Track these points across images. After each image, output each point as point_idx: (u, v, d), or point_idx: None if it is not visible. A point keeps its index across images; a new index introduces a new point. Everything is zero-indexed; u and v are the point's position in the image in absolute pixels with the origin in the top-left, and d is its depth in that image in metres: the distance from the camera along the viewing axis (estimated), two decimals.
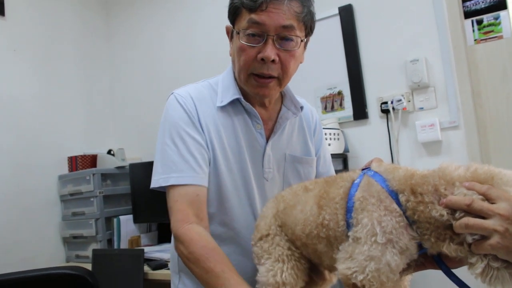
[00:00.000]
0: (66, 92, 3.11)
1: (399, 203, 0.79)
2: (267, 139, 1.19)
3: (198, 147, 1.11)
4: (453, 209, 0.74)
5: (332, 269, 0.94)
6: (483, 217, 0.71)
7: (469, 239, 0.72)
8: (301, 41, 1.09)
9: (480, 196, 0.72)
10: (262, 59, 1.05)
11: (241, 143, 1.16)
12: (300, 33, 1.08)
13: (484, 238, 0.71)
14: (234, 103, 1.17)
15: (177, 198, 1.08)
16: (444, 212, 0.74)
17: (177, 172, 1.09)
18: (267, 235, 0.99)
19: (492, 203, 0.71)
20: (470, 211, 0.72)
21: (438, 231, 0.76)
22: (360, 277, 0.77)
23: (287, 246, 0.97)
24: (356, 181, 0.87)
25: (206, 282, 0.97)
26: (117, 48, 3.47)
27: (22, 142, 2.78)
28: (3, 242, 2.60)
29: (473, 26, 2.16)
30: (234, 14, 1.10)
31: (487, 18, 2.12)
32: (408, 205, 0.78)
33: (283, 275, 0.93)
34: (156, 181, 1.12)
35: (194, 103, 1.15)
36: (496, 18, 2.10)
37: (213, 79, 1.24)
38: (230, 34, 1.16)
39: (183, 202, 1.07)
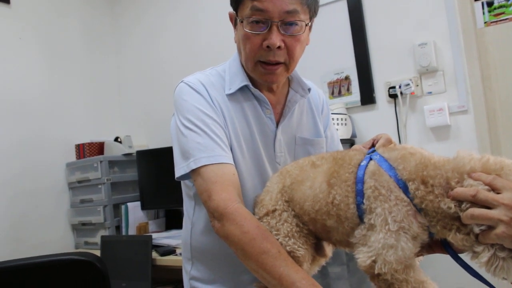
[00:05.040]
0: (72, 80, 3.11)
1: (407, 191, 0.80)
2: (277, 124, 1.19)
3: (220, 129, 1.09)
4: (460, 201, 0.75)
5: (341, 243, 0.95)
6: (490, 207, 0.72)
7: (476, 229, 0.73)
8: (306, 25, 1.08)
9: (486, 187, 0.73)
10: (268, 47, 1.05)
11: (253, 129, 1.16)
12: (304, 16, 1.06)
13: (490, 228, 0.71)
14: (242, 89, 1.16)
15: (216, 179, 1.01)
16: (452, 205, 0.75)
17: (206, 152, 1.04)
18: (274, 210, 0.99)
19: (498, 193, 0.72)
20: (475, 202, 0.73)
21: (445, 220, 0.77)
22: (378, 266, 0.79)
23: (295, 222, 0.97)
24: (362, 164, 0.88)
25: (261, 263, 0.91)
26: (123, 35, 3.46)
27: (30, 131, 2.79)
28: (13, 230, 2.63)
29: (483, 8, 2.12)
30: (236, 1, 1.09)
31: None
32: (417, 193, 0.79)
33: (299, 250, 0.94)
34: (183, 168, 1.07)
35: (206, 89, 1.14)
36: None
37: (220, 66, 1.23)
38: (233, 20, 1.15)
39: (223, 182, 1.02)
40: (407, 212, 0.79)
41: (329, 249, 1.07)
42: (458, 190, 0.75)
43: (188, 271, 1.24)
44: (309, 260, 0.98)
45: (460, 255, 0.82)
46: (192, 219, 1.22)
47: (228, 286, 1.18)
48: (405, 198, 0.80)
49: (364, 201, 0.84)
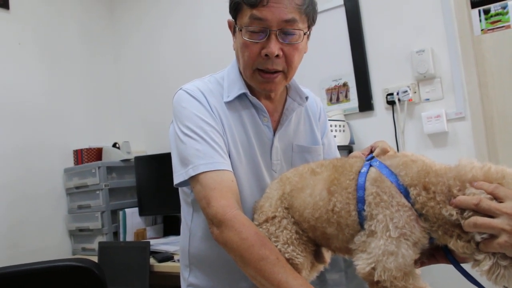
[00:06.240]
0: (71, 85, 3.11)
1: (408, 196, 0.81)
2: (274, 131, 1.19)
3: (219, 136, 1.10)
4: (462, 209, 0.75)
5: (340, 250, 0.95)
6: (492, 216, 0.72)
7: (478, 237, 0.73)
8: (304, 33, 1.09)
9: (489, 196, 0.73)
10: (266, 55, 1.05)
11: (250, 136, 1.16)
12: (302, 25, 1.07)
13: (492, 236, 0.72)
14: (240, 97, 1.16)
15: (215, 186, 1.02)
16: (454, 212, 0.75)
17: (205, 159, 1.05)
18: (274, 217, 0.99)
19: (500, 202, 0.72)
20: (478, 211, 0.73)
21: (446, 226, 0.77)
22: (378, 273, 0.79)
23: (294, 230, 0.97)
24: (362, 171, 0.89)
25: (260, 269, 0.91)
26: (123, 40, 3.46)
27: (28, 136, 2.79)
28: (10, 236, 2.61)
29: (480, 15, 2.13)
30: (235, 10, 1.10)
31: (494, 7, 2.09)
32: (418, 199, 0.79)
33: (298, 258, 0.94)
34: (182, 175, 1.07)
35: (204, 96, 1.14)
36: (504, 7, 2.07)
37: (219, 74, 1.23)
38: (232, 28, 1.15)
39: (222, 189, 1.02)
40: (409, 217, 0.80)
41: (327, 255, 1.07)
42: (461, 199, 0.75)
43: (186, 278, 1.24)
44: (308, 267, 0.98)
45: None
46: (190, 226, 1.22)
47: None
48: (407, 203, 0.80)
49: (365, 207, 0.84)
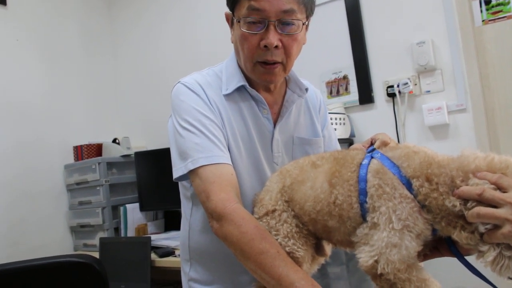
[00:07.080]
0: (70, 81, 3.10)
1: (410, 188, 0.80)
2: (275, 124, 1.19)
3: (218, 129, 1.09)
4: (465, 199, 0.74)
5: (341, 243, 0.95)
6: (496, 206, 0.71)
7: (482, 228, 0.72)
8: (303, 24, 1.08)
9: (492, 186, 0.73)
10: (265, 46, 1.05)
11: (250, 129, 1.16)
12: (301, 15, 1.07)
13: (496, 227, 0.71)
14: (239, 90, 1.16)
15: (214, 179, 1.01)
16: (457, 203, 0.75)
17: (204, 152, 1.04)
18: (274, 210, 0.98)
19: (504, 192, 0.71)
20: (481, 201, 0.73)
21: (449, 217, 0.77)
22: (381, 265, 0.78)
23: (294, 223, 0.96)
24: (364, 162, 0.88)
25: (260, 263, 0.90)
26: (121, 36, 3.45)
27: (27, 133, 2.78)
28: (11, 232, 2.62)
29: (481, 6, 2.12)
30: (233, 2, 1.09)
31: None
32: (421, 190, 0.79)
33: (298, 251, 0.94)
34: (181, 169, 1.07)
35: (203, 89, 1.14)
36: None
37: (217, 66, 1.23)
38: (230, 21, 1.15)
39: (222, 182, 1.01)
40: (412, 208, 0.79)
41: (328, 248, 1.07)
42: (464, 189, 0.74)
43: (187, 273, 1.24)
44: (309, 261, 0.98)
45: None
46: (189, 220, 1.22)
47: (226, 287, 1.18)
48: (409, 194, 0.80)
49: (368, 199, 0.83)
